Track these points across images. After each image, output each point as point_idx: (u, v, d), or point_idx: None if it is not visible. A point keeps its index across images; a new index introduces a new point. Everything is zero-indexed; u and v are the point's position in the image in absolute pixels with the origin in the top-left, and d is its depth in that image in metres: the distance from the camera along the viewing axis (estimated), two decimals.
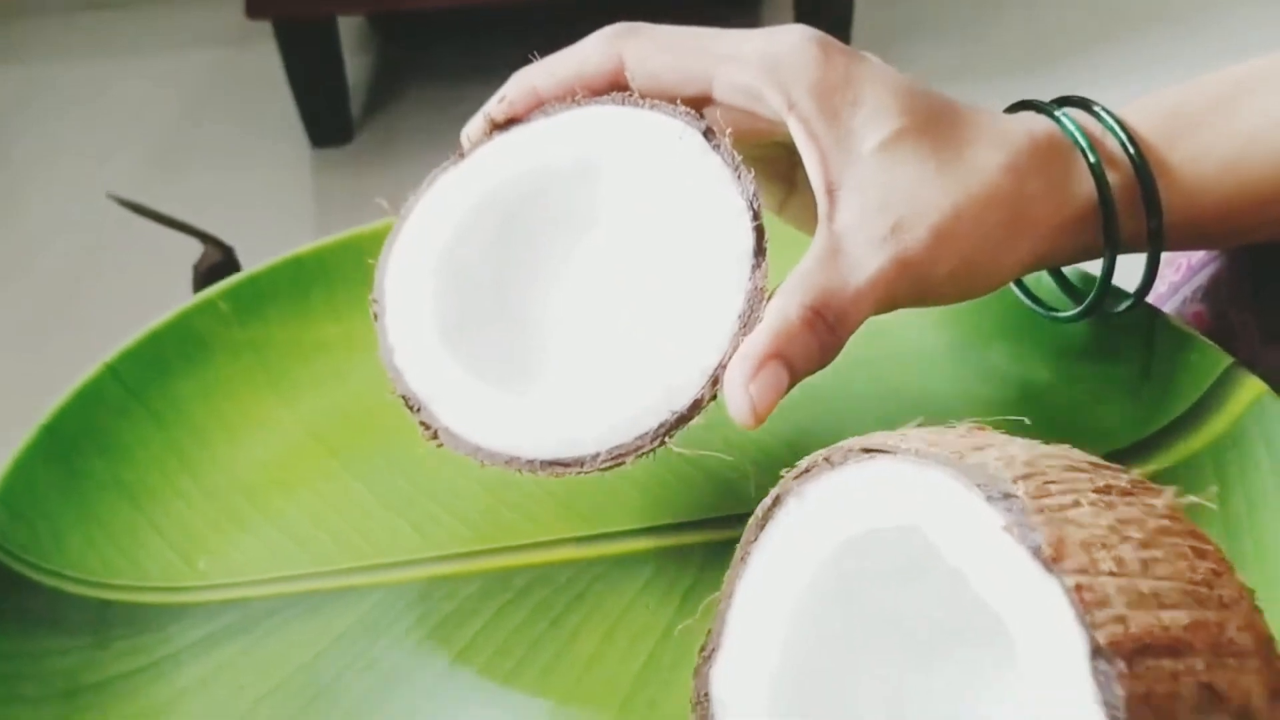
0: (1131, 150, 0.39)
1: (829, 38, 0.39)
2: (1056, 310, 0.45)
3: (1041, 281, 0.46)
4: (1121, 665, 0.26)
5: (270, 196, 1.66)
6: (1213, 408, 0.42)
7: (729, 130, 0.38)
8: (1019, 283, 0.46)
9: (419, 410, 0.38)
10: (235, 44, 2.13)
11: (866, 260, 0.37)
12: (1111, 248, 0.40)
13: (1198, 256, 0.49)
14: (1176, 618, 0.27)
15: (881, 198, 0.38)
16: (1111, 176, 0.39)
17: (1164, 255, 0.42)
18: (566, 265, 0.40)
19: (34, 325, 1.46)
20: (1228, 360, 0.43)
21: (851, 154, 0.38)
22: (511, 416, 0.37)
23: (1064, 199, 0.39)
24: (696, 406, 0.36)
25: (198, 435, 0.46)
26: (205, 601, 0.41)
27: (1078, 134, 0.40)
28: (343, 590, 0.41)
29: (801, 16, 1.80)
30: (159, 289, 1.32)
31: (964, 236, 0.38)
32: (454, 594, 0.40)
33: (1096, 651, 0.26)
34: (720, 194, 0.37)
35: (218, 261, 0.63)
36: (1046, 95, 0.42)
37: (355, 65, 2.01)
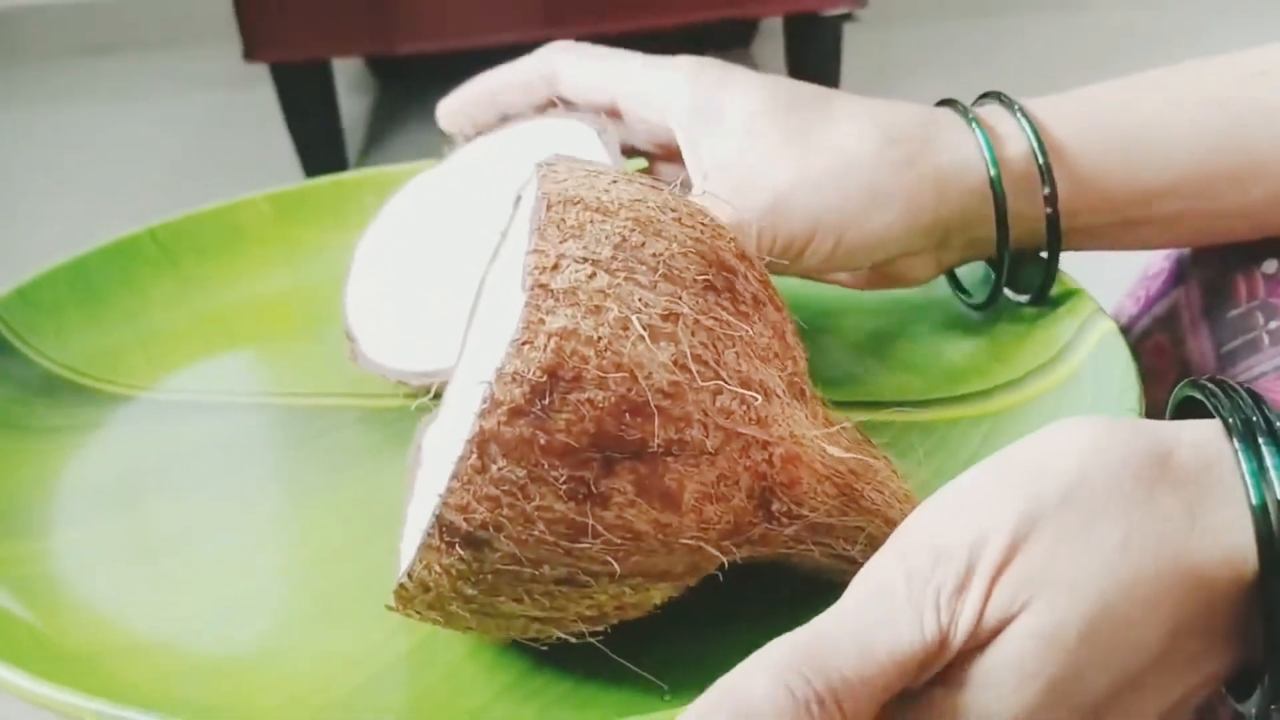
0: (1026, 124, 0.42)
1: (708, 59, 0.44)
2: (969, 296, 0.48)
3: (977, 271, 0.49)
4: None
5: None
6: (1074, 349, 0.44)
7: (610, 129, 0.45)
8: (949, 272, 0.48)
9: (351, 340, 0.48)
10: (233, 87, 2.17)
11: None
12: (1001, 218, 0.42)
13: (1155, 288, 0.50)
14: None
15: (731, 166, 0.41)
16: (1008, 150, 0.42)
17: (1123, 291, 0.44)
18: (483, 232, 0.47)
19: None
20: (1093, 307, 0.44)
21: (718, 140, 0.42)
22: (398, 348, 0.47)
23: (945, 167, 0.41)
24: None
25: (208, 286, 0.54)
26: (144, 398, 0.49)
27: (966, 111, 0.43)
28: (254, 405, 0.49)
29: (791, 51, 1.85)
30: None
31: (806, 203, 0.41)
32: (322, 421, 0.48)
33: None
34: None
35: None
36: None
37: (351, 106, 2.05)
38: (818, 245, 0.41)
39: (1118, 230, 0.45)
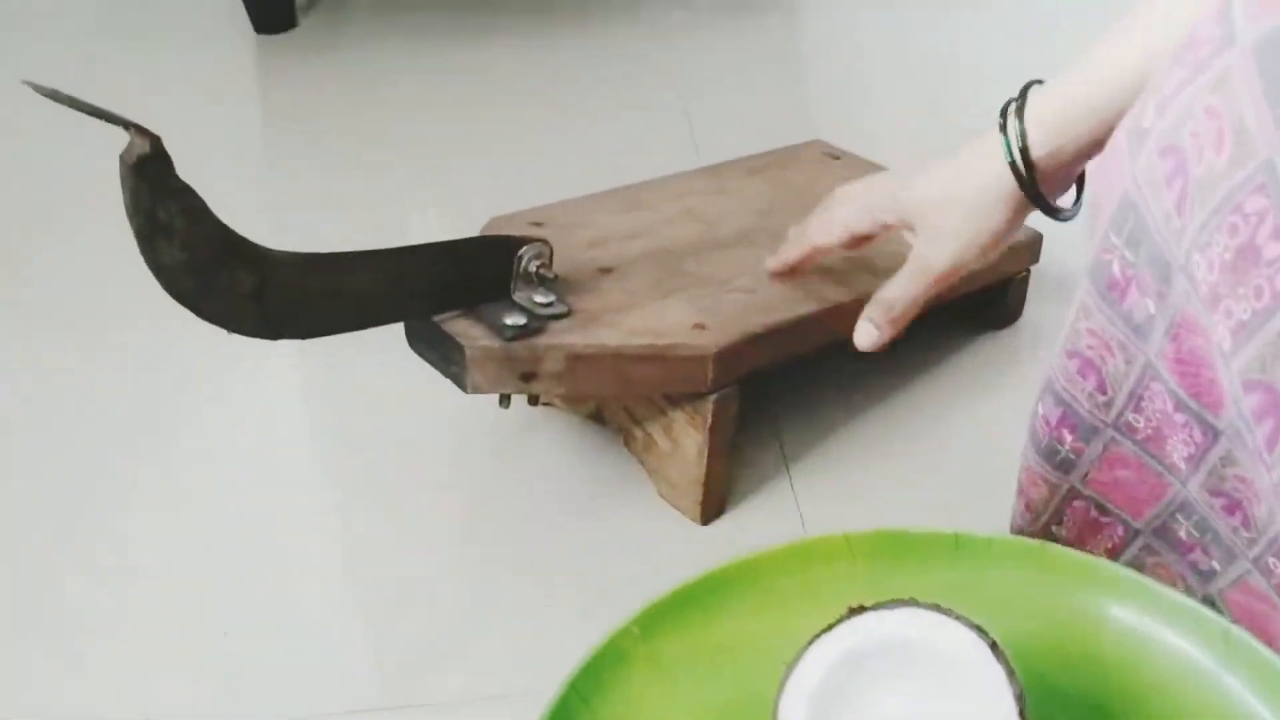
0: (1016, 134, 0.69)
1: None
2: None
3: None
4: None
5: (214, 84, 1.63)
6: None
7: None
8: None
9: None
10: None
11: None
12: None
13: (1204, 54, 0.49)
14: None
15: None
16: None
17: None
18: (888, 709, 0.55)
19: None
20: None
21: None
22: None
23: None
24: None
25: None
26: None
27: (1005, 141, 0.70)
28: None
29: None
30: (87, 181, 1.30)
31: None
32: None
33: None
34: (998, 694, 0.52)
35: (145, 153, 0.58)
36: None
37: None
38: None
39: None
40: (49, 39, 1.78)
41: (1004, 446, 0.88)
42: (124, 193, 0.60)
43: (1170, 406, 0.55)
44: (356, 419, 0.98)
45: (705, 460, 0.81)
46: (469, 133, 1.46)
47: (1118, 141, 0.54)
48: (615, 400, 0.88)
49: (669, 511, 0.85)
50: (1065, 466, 0.65)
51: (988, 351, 1.02)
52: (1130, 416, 0.58)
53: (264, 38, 1.73)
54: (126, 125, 0.58)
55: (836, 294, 0.86)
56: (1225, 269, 0.46)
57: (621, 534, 0.84)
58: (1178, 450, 0.57)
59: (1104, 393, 0.59)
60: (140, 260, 0.63)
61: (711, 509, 0.84)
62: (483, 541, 0.85)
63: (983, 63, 1.53)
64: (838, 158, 1.11)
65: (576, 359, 0.76)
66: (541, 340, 0.76)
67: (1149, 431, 0.58)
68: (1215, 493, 0.56)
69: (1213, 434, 0.54)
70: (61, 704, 0.74)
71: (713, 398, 0.79)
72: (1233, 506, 0.56)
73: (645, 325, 0.79)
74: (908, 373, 0.98)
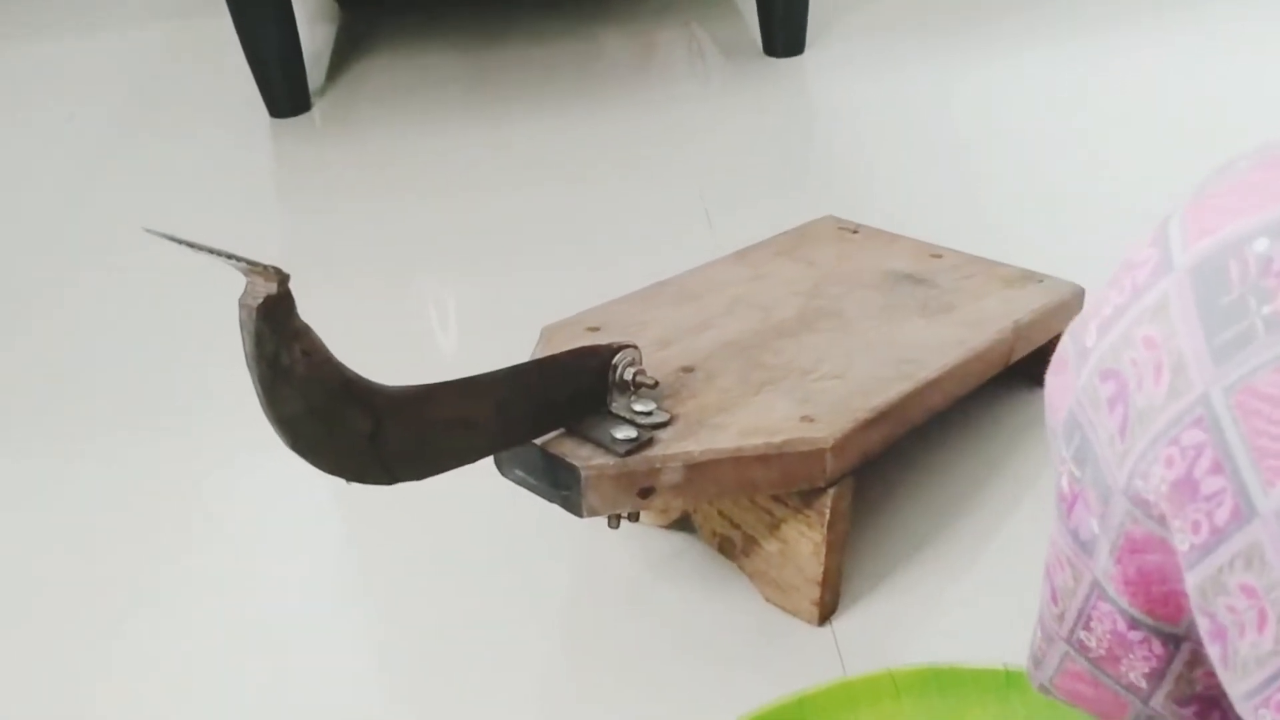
0: None
1: None
2: None
3: None
4: None
5: (230, 167, 1.60)
6: None
7: None
8: None
9: None
10: (191, 15, 2.10)
11: None
12: None
13: (1142, 276, 0.47)
14: None
15: None
16: None
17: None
18: None
19: None
20: None
21: None
22: None
23: None
24: None
25: None
26: None
27: None
28: None
29: None
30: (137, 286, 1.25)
31: None
32: None
33: None
34: None
35: (273, 294, 0.54)
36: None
37: (314, 34, 1.98)
38: None
39: None
40: (77, 130, 1.74)
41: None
42: (244, 339, 0.55)
43: (1124, 626, 0.52)
44: (428, 542, 0.92)
45: (824, 557, 0.76)
46: (484, 215, 1.42)
47: (1066, 351, 0.51)
48: (711, 504, 0.83)
49: (778, 615, 0.80)
50: (1035, 660, 0.61)
51: (1037, 407, 1.00)
52: (1081, 634, 0.55)
53: (279, 121, 1.70)
54: (249, 265, 0.53)
55: (925, 371, 0.83)
56: (1164, 499, 0.45)
57: (733, 645, 0.79)
58: (1136, 669, 0.54)
59: (1055, 604, 0.56)
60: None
61: (828, 607, 0.79)
62: (579, 669, 0.79)
63: (989, 133, 1.53)
64: (855, 230, 1.09)
65: (695, 468, 0.71)
66: (656, 452, 0.71)
67: (1101, 652, 0.55)
68: (1184, 701, 0.54)
69: (1174, 642, 0.51)
70: None
71: (831, 491, 0.75)
72: (1206, 710, 0.54)
73: (754, 424, 0.74)
74: (954, 434, 0.95)
